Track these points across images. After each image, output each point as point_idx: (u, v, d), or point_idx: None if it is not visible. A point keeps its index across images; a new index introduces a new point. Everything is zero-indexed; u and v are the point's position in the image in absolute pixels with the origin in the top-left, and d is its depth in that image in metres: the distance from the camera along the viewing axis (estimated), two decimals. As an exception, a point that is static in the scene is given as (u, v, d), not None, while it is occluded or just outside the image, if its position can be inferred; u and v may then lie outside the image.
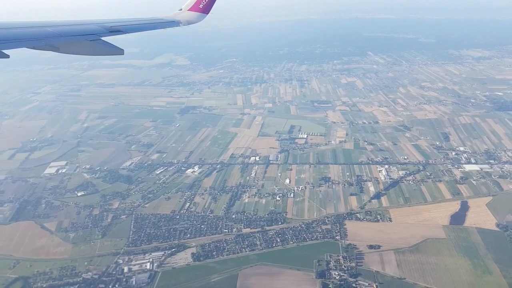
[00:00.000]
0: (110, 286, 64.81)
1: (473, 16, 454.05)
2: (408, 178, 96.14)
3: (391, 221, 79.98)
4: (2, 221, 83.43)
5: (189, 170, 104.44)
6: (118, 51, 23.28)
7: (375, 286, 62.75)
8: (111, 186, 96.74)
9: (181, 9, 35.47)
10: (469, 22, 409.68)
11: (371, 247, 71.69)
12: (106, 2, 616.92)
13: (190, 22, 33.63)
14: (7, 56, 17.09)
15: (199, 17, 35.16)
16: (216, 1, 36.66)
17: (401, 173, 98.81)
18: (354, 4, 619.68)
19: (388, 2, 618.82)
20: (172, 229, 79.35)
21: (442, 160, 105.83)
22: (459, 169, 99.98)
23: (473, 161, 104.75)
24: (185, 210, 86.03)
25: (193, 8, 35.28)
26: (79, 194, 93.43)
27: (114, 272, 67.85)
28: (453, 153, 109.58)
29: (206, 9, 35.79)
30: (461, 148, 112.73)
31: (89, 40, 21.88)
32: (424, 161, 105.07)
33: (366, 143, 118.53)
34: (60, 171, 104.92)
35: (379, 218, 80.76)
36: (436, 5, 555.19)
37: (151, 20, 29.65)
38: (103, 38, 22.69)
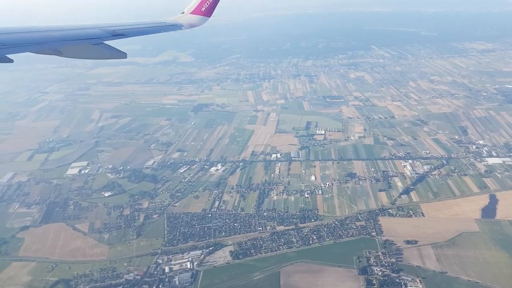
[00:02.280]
0: (154, 287, 64.83)
1: (469, 9, 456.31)
2: (433, 173, 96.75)
3: (423, 216, 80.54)
4: (32, 224, 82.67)
5: (212, 168, 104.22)
6: (121, 55, 23.62)
7: (418, 281, 63.40)
8: (138, 186, 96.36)
9: (183, 13, 35.50)
10: (466, 15, 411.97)
11: (408, 242, 72.21)
12: (107, 6, 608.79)
13: (192, 25, 33.82)
14: (11, 61, 17.76)
15: (201, 20, 35.25)
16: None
17: (426, 167, 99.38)
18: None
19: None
20: (206, 228, 79.22)
21: (464, 154, 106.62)
22: (482, 163, 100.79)
23: (494, 154, 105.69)
24: (215, 209, 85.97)
25: (195, 11, 35.30)
26: (106, 194, 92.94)
27: (155, 273, 67.69)
28: (474, 147, 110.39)
29: (208, 12, 35.78)
30: (481, 142, 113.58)
31: (92, 44, 22.13)
32: (446, 155, 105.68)
33: (386, 138, 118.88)
34: (82, 172, 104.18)
35: (411, 214, 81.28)
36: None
37: (154, 23, 29.85)
38: (105, 42, 22.92)
